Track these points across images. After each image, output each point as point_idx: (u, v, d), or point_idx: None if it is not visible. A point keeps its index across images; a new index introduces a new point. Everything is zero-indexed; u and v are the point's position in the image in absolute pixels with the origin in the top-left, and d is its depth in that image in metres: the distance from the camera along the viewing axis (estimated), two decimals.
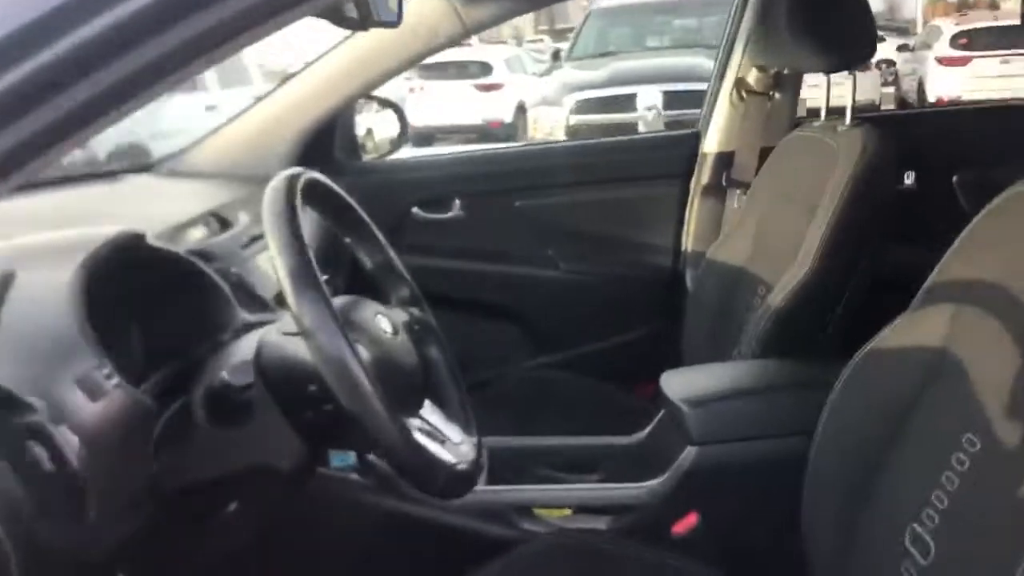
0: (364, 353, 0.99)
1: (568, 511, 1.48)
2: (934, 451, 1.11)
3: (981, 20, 11.49)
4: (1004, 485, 1.00)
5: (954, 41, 10.97)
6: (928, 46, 11.52)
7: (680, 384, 1.48)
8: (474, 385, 2.13)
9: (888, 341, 1.24)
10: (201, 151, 1.99)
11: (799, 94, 2.15)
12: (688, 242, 2.22)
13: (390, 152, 2.34)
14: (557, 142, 1.98)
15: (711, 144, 2.17)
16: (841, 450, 1.26)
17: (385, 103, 2.27)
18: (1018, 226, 1.13)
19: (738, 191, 2.11)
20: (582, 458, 1.65)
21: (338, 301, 1.08)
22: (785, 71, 2.03)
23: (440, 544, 1.43)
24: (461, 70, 11.66)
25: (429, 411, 1.12)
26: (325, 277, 1.16)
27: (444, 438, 1.07)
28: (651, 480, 1.45)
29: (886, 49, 11.91)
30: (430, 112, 9.99)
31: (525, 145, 1.94)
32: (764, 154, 2.03)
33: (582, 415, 1.91)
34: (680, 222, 2.22)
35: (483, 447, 1.15)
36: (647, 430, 1.62)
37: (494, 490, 1.47)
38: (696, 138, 2.21)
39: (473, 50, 11.88)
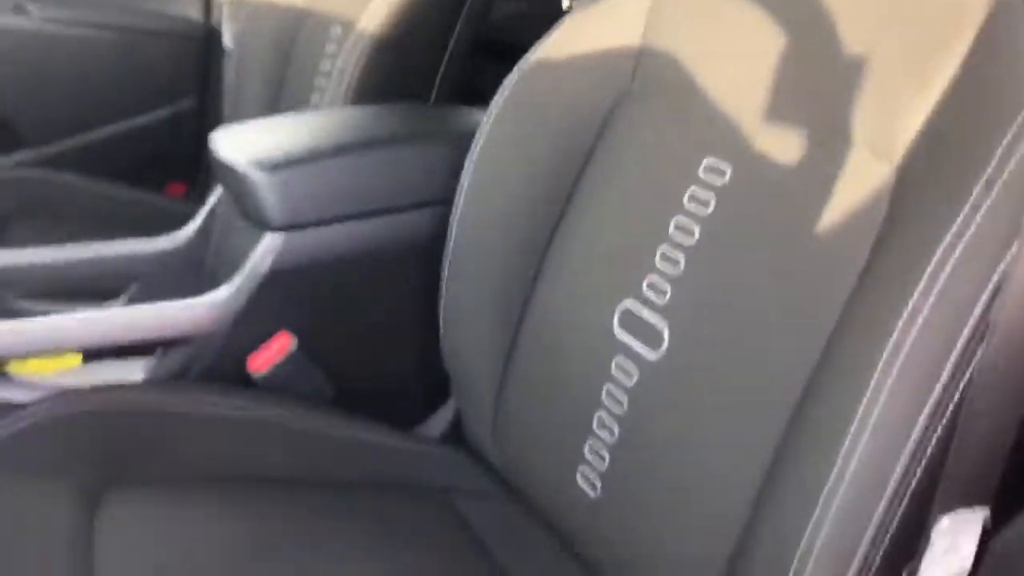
0: None
1: (75, 359, 0.90)
2: (654, 188, 0.75)
3: None
4: (771, 227, 0.66)
5: None
6: None
7: (245, 143, 0.95)
8: None
9: (560, 48, 0.84)
10: None
11: None
12: None
13: None
14: None
15: None
16: (498, 210, 0.85)
17: None
18: None
19: None
20: (89, 276, 1.06)
21: None
22: None
23: None
24: None
25: None
26: None
27: None
28: (209, 293, 0.92)
29: None
30: None
31: None
32: None
33: (84, 228, 1.29)
34: None
35: None
36: (190, 227, 1.08)
37: None
38: None
39: None
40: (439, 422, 0.99)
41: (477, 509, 0.86)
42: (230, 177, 0.93)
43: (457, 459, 0.92)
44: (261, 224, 0.90)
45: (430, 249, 0.92)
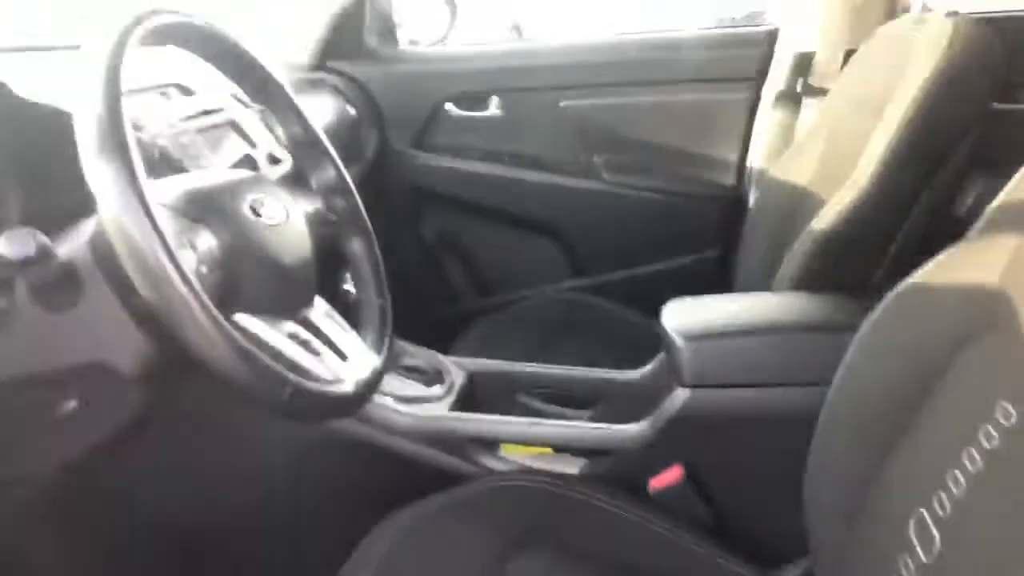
0: (208, 239, 0.81)
1: (539, 449, 1.28)
2: (961, 419, 0.85)
3: None
4: None
5: None
6: None
7: (682, 315, 1.24)
8: (496, 305, 1.95)
9: (932, 277, 0.96)
10: None
11: None
12: (754, 157, 1.92)
13: (433, 42, 2.13)
14: (610, 36, 1.72)
15: (789, 43, 1.85)
16: (858, 407, 1.00)
17: None
18: None
19: (814, 99, 1.79)
20: (577, 391, 1.43)
21: (211, 176, 0.89)
22: None
23: (382, 471, 1.26)
24: None
25: (322, 316, 0.93)
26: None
27: (326, 350, 0.88)
28: (635, 423, 1.23)
29: None
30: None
31: (573, 38, 1.70)
32: (848, 57, 1.71)
33: (601, 345, 1.68)
34: (746, 134, 1.92)
35: (385, 368, 0.96)
36: (649, 366, 1.39)
37: (456, 418, 1.28)
38: (774, 36, 1.89)
39: None
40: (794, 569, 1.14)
41: None
42: (665, 338, 1.23)
43: None
44: (678, 379, 1.18)
45: (807, 422, 1.10)
